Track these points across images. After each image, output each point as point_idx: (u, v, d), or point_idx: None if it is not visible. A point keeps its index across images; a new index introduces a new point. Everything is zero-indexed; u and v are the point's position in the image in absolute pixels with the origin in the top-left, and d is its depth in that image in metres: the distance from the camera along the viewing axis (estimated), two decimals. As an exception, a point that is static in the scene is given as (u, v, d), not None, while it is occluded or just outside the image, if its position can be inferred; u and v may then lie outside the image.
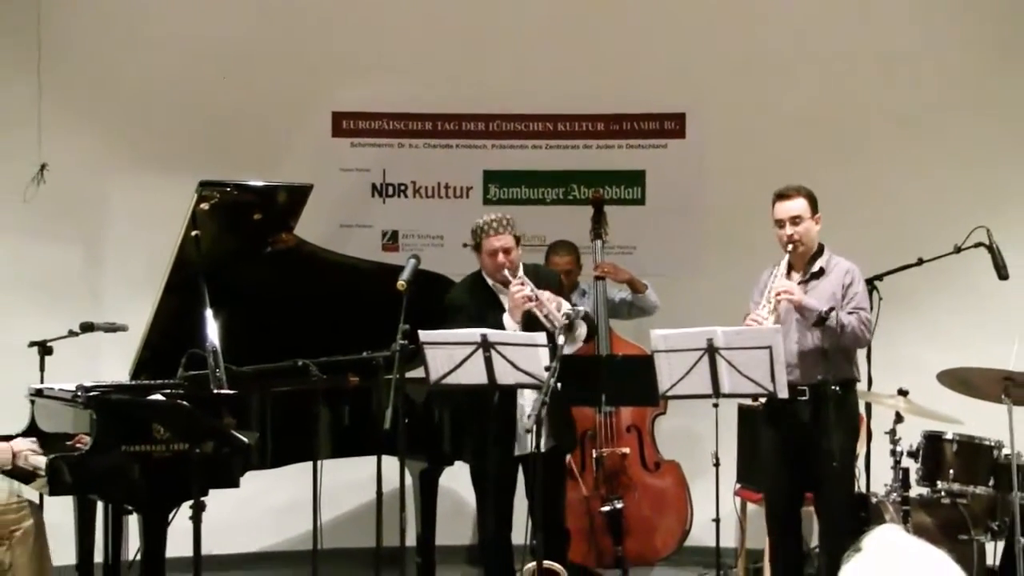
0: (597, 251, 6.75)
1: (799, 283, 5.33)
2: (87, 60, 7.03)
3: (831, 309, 5.12)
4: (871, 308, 5.56)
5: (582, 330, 5.11)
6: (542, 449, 4.84)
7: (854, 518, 5.42)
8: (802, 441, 5.29)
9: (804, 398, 5.20)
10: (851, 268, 5.40)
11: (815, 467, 5.25)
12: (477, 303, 5.44)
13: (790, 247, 5.31)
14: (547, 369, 4.87)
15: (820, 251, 5.41)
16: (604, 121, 7.56)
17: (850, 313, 5.23)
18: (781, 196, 5.38)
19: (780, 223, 5.36)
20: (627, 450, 6.59)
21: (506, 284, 5.36)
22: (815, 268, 5.38)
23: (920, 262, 5.88)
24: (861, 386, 5.56)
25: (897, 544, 1.81)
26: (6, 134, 6.84)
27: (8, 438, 5.46)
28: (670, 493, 6.69)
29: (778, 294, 5.18)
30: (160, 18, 7.12)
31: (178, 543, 5.33)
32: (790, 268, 5.36)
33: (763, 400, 5.27)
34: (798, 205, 5.34)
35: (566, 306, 5.23)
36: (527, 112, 7.54)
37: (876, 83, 7.23)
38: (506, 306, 5.39)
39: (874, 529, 1.88)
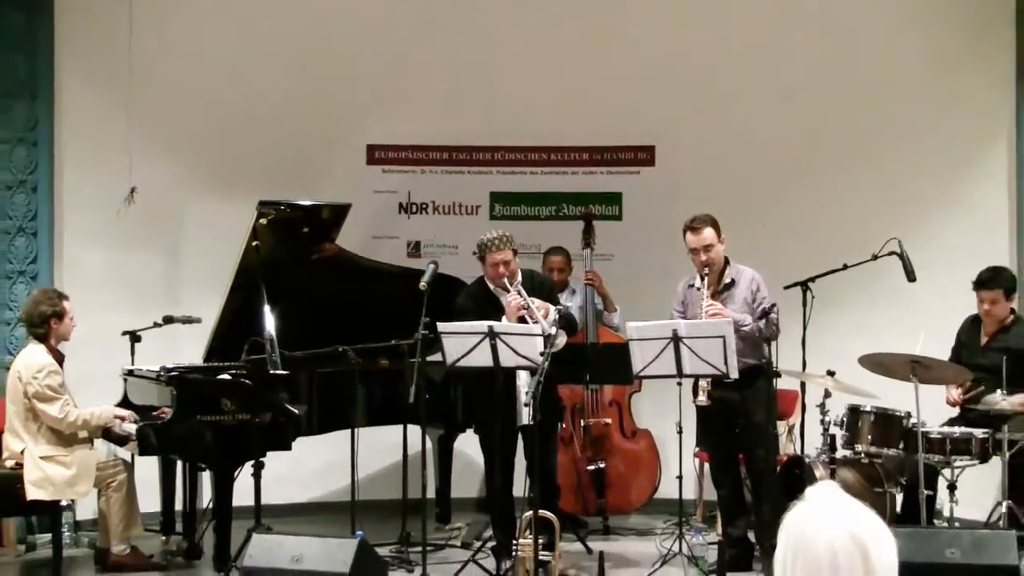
0: (587, 258, 6.81)
1: (715, 293, 5.37)
2: (168, 101, 7.04)
3: (761, 317, 5.24)
4: (804, 303, 5.62)
5: (561, 339, 5.13)
6: (535, 419, 4.86)
7: (775, 472, 5.49)
8: (734, 413, 5.39)
9: (734, 378, 5.20)
10: (754, 275, 5.48)
11: (745, 432, 5.38)
12: (480, 307, 5.43)
13: (705, 270, 5.36)
14: (541, 354, 4.91)
15: (726, 263, 5.46)
16: (588, 152, 7.58)
17: (762, 316, 5.30)
18: (692, 229, 5.39)
19: (695, 251, 5.38)
20: (609, 420, 6.63)
21: (505, 289, 5.40)
22: (727, 280, 5.46)
23: (845, 267, 5.87)
24: (796, 367, 5.60)
25: (833, 495, 1.87)
26: (103, 163, 6.85)
27: None
28: (643, 456, 6.72)
29: (712, 315, 5.20)
30: (228, 69, 7.12)
31: (242, 494, 5.41)
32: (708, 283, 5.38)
33: (709, 401, 5.27)
34: (708, 235, 5.37)
35: (553, 312, 5.21)
36: (526, 144, 7.55)
37: (816, 120, 7.17)
38: (504, 306, 5.39)
39: (816, 484, 1.94)
